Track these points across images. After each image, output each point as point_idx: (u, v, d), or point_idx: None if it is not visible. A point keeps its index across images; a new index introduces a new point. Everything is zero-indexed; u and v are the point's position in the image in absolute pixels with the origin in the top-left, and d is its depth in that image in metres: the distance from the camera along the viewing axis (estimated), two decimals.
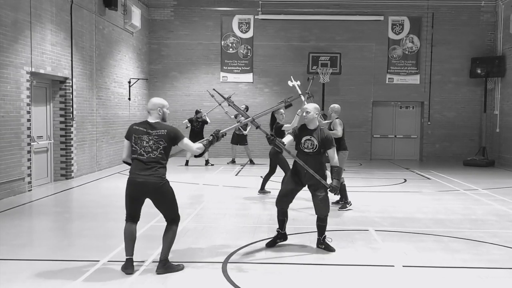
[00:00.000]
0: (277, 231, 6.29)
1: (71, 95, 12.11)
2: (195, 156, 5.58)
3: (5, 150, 9.44)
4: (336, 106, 9.31)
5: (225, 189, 11.17)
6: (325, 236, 6.22)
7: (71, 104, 12.12)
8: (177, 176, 13.31)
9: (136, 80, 16.79)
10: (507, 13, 17.13)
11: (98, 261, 5.57)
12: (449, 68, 18.42)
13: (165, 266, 5.22)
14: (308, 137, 6.04)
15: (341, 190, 8.79)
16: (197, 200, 9.57)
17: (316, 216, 6.18)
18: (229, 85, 18.68)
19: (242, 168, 15.18)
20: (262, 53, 18.56)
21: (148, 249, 6.09)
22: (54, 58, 11.27)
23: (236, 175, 13.64)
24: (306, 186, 6.22)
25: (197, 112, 15.89)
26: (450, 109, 18.56)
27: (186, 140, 5.28)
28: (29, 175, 10.35)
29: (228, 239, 6.66)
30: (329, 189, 5.95)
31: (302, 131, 6.13)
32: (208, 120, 15.91)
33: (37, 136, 11.15)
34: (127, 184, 5.19)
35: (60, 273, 5.13)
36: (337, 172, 6.09)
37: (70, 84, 12.08)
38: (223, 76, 18.70)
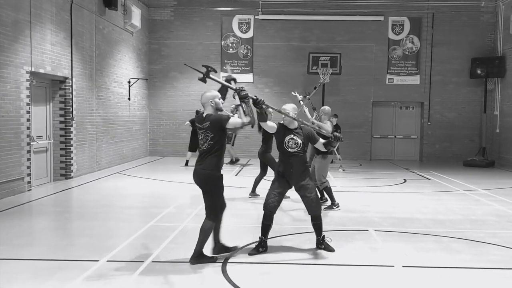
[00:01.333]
0: (260, 238, 6.12)
1: (71, 95, 12.10)
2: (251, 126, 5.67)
3: (4, 150, 9.43)
4: (327, 108, 9.32)
5: (225, 189, 11.13)
6: (324, 236, 6.22)
7: (70, 104, 12.11)
8: (177, 176, 13.31)
9: (136, 80, 16.79)
10: (507, 14, 17.13)
11: (98, 260, 5.57)
12: (449, 69, 18.42)
13: (197, 257, 5.49)
14: (291, 135, 6.02)
15: (328, 192, 8.81)
16: (197, 200, 9.53)
17: (310, 216, 6.16)
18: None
19: (242, 169, 15.17)
20: (262, 53, 18.55)
21: (148, 248, 6.09)
22: (54, 58, 11.27)
23: (236, 175, 13.63)
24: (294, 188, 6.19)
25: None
26: (450, 109, 18.55)
27: (232, 119, 5.39)
28: (29, 175, 10.35)
29: (228, 239, 6.64)
30: (330, 136, 6.07)
31: (284, 129, 6.08)
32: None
33: (37, 136, 11.15)
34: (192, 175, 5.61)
35: (59, 273, 5.13)
36: (335, 136, 6.04)
37: (70, 84, 12.08)
38: (223, 76, 18.60)
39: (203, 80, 5.91)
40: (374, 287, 4.95)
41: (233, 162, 16.48)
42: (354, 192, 10.88)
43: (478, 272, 5.42)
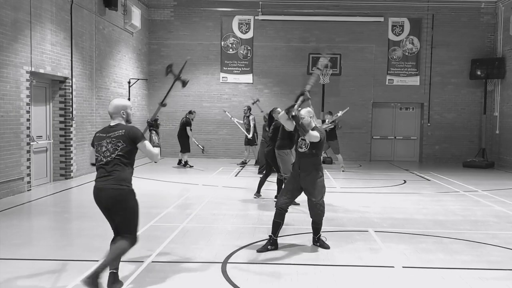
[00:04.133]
0: (269, 236, 6.18)
1: (70, 95, 12.10)
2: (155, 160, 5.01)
3: (4, 150, 9.42)
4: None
5: (225, 190, 11.15)
6: (320, 234, 6.36)
7: (70, 104, 12.11)
8: (176, 176, 13.31)
9: (136, 80, 16.78)
10: (507, 15, 17.13)
11: (97, 260, 5.54)
12: (449, 70, 18.43)
13: (95, 279, 4.35)
14: (303, 137, 6.18)
15: (279, 184, 9.03)
16: (197, 201, 9.56)
17: (312, 220, 6.32)
18: (229, 86, 18.68)
19: (241, 169, 15.16)
20: (262, 54, 18.55)
21: (147, 249, 6.08)
22: (54, 58, 11.26)
23: (235, 176, 13.63)
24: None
25: (190, 112, 15.78)
26: (450, 110, 18.56)
27: (147, 144, 4.76)
28: (29, 174, 10.34)
29: (227, 239, 6.65)
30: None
31: (297, 132, 6.30)
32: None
33: (37, 136, 11.14)
34: (93, 193, 4.75)
35: (59, 273, 5.12)
36: (305, 120, 6.16)
37: (70, 84, 12.08)
38: (223, 77, 18.68)
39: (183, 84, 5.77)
40: (374, 287, 4.94)
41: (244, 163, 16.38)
42: (354, 193, 10.87)
43: (478, 273, 5.41)
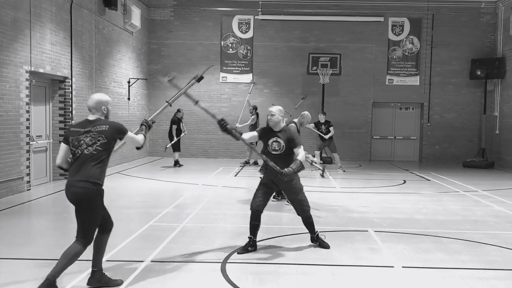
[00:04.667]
0: (249, 237, 6.09)
1: (70, 95, 12.09)
2: (137, 148, 5.14)
3: (4, 149, 9.42)
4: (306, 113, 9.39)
5: (224, 189, 11.15)
6: (318, 233, 6.30)
7: (70, 103, 12.10)
8: (176, 176, 13.30)
9: (136, 80, 16.78)
10: (507, 15, 17.13)
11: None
12: (449, 70, 18.43)
13: (49, 286, 4.40)
14: (275, 138, 6.02)
15: None
16: (197, 201, 9.55)
17: (301, 217, 6.27)
18: (229, 86, 18.68)
19: (241, 169, 15.16)
20: (262, 54, 18.55)
21: (147, 248, 6.08)
22: (53, 57, 11.26)
23: (235, 176, 13.62)
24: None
25: (178, 111, 15.75)
26: (449, 110, 18.56)
27: (130, 134, 4.87)
28: (28, 174, 10.33)
29: (227, 239, 6.65)
30: (281, 173, 5.73)
31: (268, 132, 6.10)
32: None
33: (36, 136, 11.14)
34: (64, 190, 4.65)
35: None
36: (297, 164, 5.85)
37: (70, 84, 12.07)
38: (222, 77, 18.68)
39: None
40: (374, 287, 4.94)
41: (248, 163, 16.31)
42: (354, 193, 10.87)
43: (477, 273, 5.40)
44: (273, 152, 6.01)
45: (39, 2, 10.59)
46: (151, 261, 5.59)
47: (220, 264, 5.52)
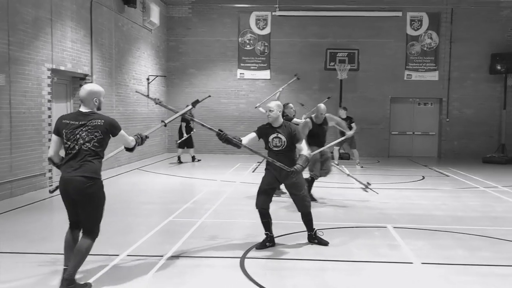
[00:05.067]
0: (265, 234, 6.11)
1: None
2: (126, 149, 5.08)
3: (26, 146, 9.59)
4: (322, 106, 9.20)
5: (242, 185, 11.20)
6: (316, 230, 6.25)
7: None
8: (194, 172, 13.40)
9: (155, 77, 16.91)
10: None
11: (118, 255, 5.65)
12: (468, 65, 18.22)
13: (70, 284, 4.47)
14: (275, 134, 5.98)
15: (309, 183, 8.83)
16: (215, 196, 9.62)
17: (300, 213, 6.19)
18: (246, 82, 18.72)
19: (258, 165, 15.20)
20: (279, 50, 18.55)
21: (167, 243, 6.16)
22: (74, 55, 11.41)
23: (253, 172, 13.67)
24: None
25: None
26: (469, 105, 18.36)
27: (124, 132, 4.81)
28: (50, 170, 10.50)
29: (245, 235, 6.69)
30: (290, 170, 5.73)
31: (268, 129, 6.06)
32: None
33: None
34: (59, 184, 4.65)
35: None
36: (303, 159, 5.86)
37: (90, 81, 12.21)
38: (240, 73, 18.73)
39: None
40: (393, 284, 4.94)
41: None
42: (372, 189, 10.83)
43: (498, 270, 5.37)
44: (275, 149, 5.98)
45: (60, 1, 10.73)
46: (171, 256, 5.66)
47: (239, 259, 5.56)
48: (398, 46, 18.35)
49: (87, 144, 4.52)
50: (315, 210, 8.24)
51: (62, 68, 10.90)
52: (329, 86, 18.14)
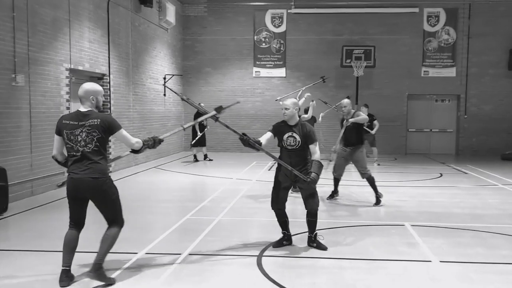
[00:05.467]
0: (282, 233, 6.11)
1: (108, 91, 12.36)
2: (132, 151, 5.08)
3: (46, 145, 9.71)
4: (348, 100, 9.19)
5: (258, 184, 11.21)
6: (316, 233, 6.06)
7: (108, 100, 12.37)
8: (211, 170, 13.45)
9: (171, 76, 17.00)
10: None
11: (136, 253, 5.71)
12: (486, 60, 18.01)
13: (98, 271, 4.66)
14: (290, 133, 5.88)
15: (370, 182, 8.80)
16: (231, 194, 9.66)
17: (307, 211, 6.01)
18: (262, 80, 18.73)
19: (274, 163, 15.18)
20: (294, 48, 18.52)
21: (185, 241, 6.20)
22: (92, 55, 11.52)
23: (269, 170, 13.68)
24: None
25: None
26: (487, 102, 18.16)
27: (124, 131, 4.80)
28: None
29: (262, 233, 6.71)
30: (307, 181, 5.67)
31: (283, 127, 5.97)
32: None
33: None
34: (66, 184, 4.76)
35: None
36: (317, 166, 5.76)
37: (108, 81, 12.33)
38: (256, 71, 18.74)
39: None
40: (412, 282, 4.92)
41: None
42: (390, 187, 10.78)
43: None
44: (288, 147, 5.89)
45: (77, 1, 10.85)
46: (189, 254, 5.70)
47: (256, 257, 5.59)
48: (414, 43, 18.21)
49: (89, 145, 4.60)
50: (330, 208, 8.25)
51: (80, 68, 11.02)
52: (345, 83, 18.09)
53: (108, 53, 12.34)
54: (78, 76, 11.37)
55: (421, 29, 18.16)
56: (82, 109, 4.73)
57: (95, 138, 4.60)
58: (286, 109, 5.91)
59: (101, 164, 4.64)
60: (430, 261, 5.56)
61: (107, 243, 4.74)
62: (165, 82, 16.54)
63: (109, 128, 4.67)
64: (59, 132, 4.73)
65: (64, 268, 4.71)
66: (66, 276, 4.70)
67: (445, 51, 18.18)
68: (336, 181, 9.19)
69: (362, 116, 8.76)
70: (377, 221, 7.49)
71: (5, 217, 7.62)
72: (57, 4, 10.09)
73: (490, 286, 4.81)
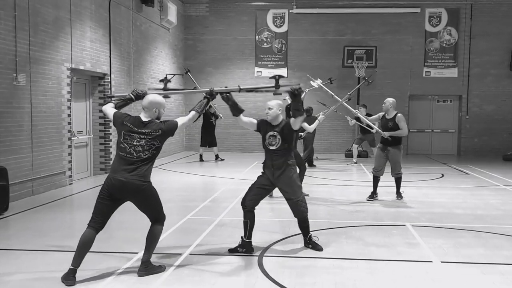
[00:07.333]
0: (241, 238, 5.80)
1: (109, 91, 12.35)
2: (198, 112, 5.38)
3: (46, 145, 9.72)
4: (392, 100, 9.27)
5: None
6: (310, 235, 6.00)
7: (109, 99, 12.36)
8: (212, 170, 13.45)
9: (172, 75, 16.96)
10: None
11: (137, 253, 5.69)
12: (488, 61, 17.98)
13: (147, 268, 4.96)
14: (272, 132, 5.82)
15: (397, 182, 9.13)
16: (233, 195, 9.64)
17: (297, 219, 5.92)
18: (264, 80, 18.70)
19: None
20: (296, 48, 18.51)
21: (185, 241, 6.20)
22: (93, 54, 11.52)
23: None
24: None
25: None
26: (489, 102, 18.12)
27: (181, 121, 5.13)
28: (70, 169, 10.64)
29: (263, 233, 6.70)
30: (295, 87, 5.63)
31: (266, 126, 5.92)
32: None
33: (77, 131, 11.44)
34: (105, 183, 4.86)
35: (100, 264, 5.27)
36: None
37: (109, 80, 12.33)
38: (257, 71, 18.73)
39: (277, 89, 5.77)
40: (413, 282, 4.91)
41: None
42: (391, 187, 10.76)
43: None
44: (270, 147, 5.79)
45: (79, 1, 10.85)
46: (190, 254, 5.70)
47: (257, 257, 5.58)
48: (416, 43, 18.18)
49: (146, 152, 4.87)
50: (331, 209, 8.24)
51: (82, 67, 11.02)
52: (347, 83, 18.04)
53: (109, 52, 12.34)
54: (79, 75, 11.38)
55: (423, 30, 18.13)
56: (143, 118, 5.00)
57: (153, 147, 4.90)
58: (269, 109, 5.89)
59: (147, 171, 4.88)
60: (431, 261, 5.55)
61: (153, 240, 5.00)
62: (166, 82, 16.51)
63: (171, 131, 5.02)
64: (114, 123, 5.08)
65: (72, 267, 4.73)
66: (73, 276, 4.71)
67: (447, 52, 18.16)
68: (376, 180, 9.20)
69: (402, 130, 8.92)
70: (378, 221, 7.48)
71: (5, 217, 7.62)
72: (59, 4, 10.09)
73: (492, 286, 4.79)
